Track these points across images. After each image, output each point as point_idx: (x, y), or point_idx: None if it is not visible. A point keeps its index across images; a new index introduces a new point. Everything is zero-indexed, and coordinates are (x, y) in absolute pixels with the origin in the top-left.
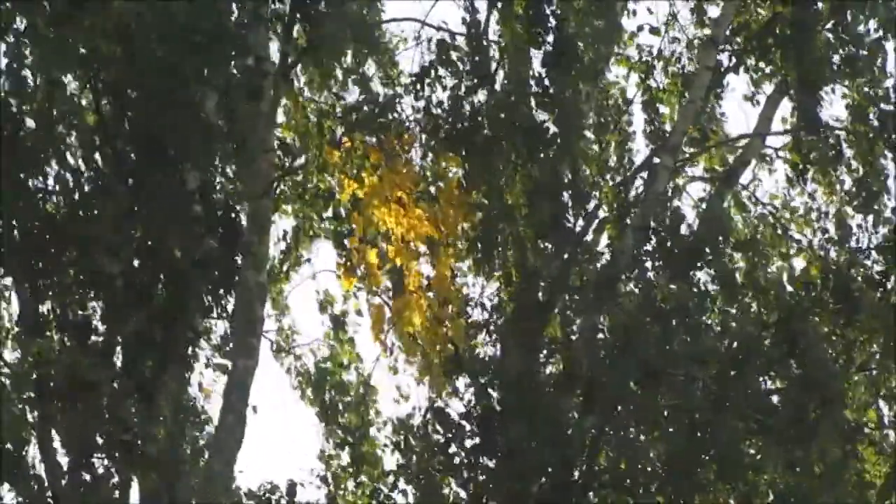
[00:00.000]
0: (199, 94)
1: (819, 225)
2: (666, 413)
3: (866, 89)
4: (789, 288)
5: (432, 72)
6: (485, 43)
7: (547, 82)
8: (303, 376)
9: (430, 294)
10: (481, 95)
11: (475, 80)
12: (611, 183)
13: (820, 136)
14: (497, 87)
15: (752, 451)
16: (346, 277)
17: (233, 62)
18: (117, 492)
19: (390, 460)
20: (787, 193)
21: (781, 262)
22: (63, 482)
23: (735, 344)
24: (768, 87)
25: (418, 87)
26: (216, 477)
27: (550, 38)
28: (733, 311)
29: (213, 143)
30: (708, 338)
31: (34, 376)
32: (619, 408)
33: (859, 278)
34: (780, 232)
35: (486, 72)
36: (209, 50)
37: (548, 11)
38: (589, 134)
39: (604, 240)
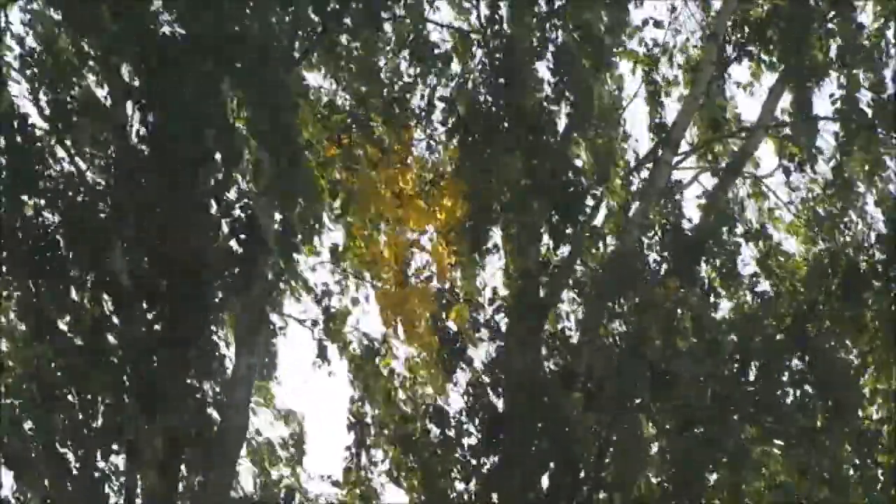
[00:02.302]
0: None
1: (831, 210)
2: (672, 408)
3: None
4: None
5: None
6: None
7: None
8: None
9: (434, 285)
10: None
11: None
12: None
13: (813, 128)
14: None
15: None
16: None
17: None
18: (123, 492)
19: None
20: (799, 185)
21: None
22: (68, 483)
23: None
24: (770, 79)
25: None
26: (219, 476)
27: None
28: (737, 301)
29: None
30: (713, 337)
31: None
32: (628, 406)
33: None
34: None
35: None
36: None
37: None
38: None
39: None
